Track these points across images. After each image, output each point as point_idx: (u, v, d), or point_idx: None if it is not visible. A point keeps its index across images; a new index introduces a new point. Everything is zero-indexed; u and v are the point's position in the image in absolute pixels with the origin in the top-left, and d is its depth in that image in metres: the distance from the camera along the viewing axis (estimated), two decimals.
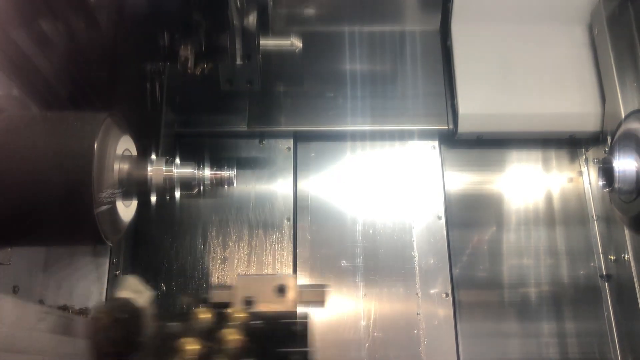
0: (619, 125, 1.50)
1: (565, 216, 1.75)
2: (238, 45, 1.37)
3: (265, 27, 1.52)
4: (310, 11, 1.58)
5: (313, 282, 1.65)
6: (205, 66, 1.38)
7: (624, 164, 1.39)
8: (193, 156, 1.20)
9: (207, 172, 1.09)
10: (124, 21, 1.30)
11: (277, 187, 1.73)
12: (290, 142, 1.77)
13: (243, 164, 1.73)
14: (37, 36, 1.12)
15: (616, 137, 1.51)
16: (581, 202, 1.76)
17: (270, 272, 1.64)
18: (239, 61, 1.39)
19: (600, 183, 1.46)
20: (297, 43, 1.49)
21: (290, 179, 1.74)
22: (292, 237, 1.68)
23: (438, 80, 1.80)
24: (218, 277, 1.63)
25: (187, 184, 1.06)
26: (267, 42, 1.52)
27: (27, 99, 1.09)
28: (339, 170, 1.77)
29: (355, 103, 1.78)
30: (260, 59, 1.52)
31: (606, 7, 1.69)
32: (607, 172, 1.43)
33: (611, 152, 1.45)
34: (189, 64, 1.24)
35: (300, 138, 1.79)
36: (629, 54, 1.60)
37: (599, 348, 1.61)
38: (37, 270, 1.31)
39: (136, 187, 1.01)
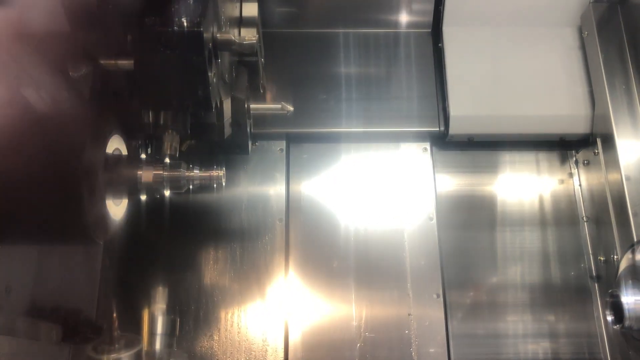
0: (626, 255, 1.45)
1: (556, 218, 1.76)
2: (226, 118, 1.33)
3: (256, 86, 1.47)
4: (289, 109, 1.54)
5: (305, 284, 1.66)
6: (192, 142, 1.33)
7: (634, 301, 1.32)
8: (184, 156, 1.21)
9: (197, 172, 1.09)
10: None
11: (269, 189, 1.74)
12: (282, 144, 1.78)
13: (235, 165, 1.74)
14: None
15: (623, 269, 1.45)
16: (571, 203, 1.77)
17: (262, 273, 1.65)
18: (227, 132, 1.35)
19: (609, 318, 1.40)
20: (288, 107, 1.47)
21: (282, 180, 1.75)
22: (284, 238, 1.68)
23: (429, 82, 1.81)
24: (210, 278, 1.63)
25: (176, 183, 1.07)
26: (258, 106, 1.49)
27: (17, 97, 1.10)
28: (331, 172, 1.78)
29: (347, 105, 1.79)
30: (251, 123, 1.49)
31: (595, 10, 1.71)
32: (616, 307, 1.36)
33: (618, 285, 1.39)
34: (174, 150, 1.15)
35: (292, 140, 1.80)
36: (618, 57, 1.61)
37: (588, 348, 1.62)
38: (30, 270, 1.31)
39: (126, 186, 1.02)
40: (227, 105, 1.30)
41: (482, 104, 1.73)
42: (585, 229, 1.73)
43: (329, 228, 1.72)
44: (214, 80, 1.01)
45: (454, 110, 1.71)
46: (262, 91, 1.54)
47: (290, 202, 1.74)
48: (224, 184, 1.12)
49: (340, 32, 1.88)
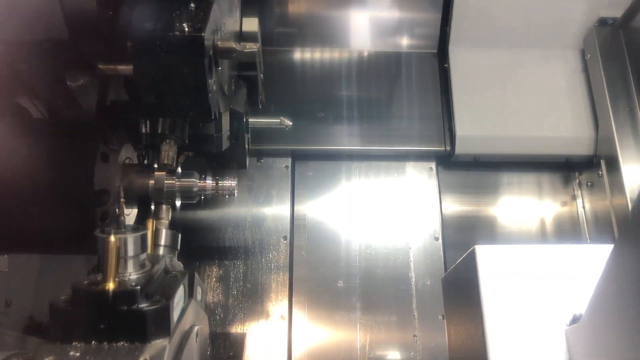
0: None
1: (560, 239, 1.76)
2: (225, 130, 1.30)
3: (255, 102, 1.49)
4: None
5: (310, 304, 1.63)
6: (189, 154, 1.30)
7: None
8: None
9: (209, 182, 1.08)
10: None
11: (274, 206, 1.72)
12: (288, 161, 1.77)
13: (240, 181, 1.72)
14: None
15: None
16: (575, 225, 1.77)
17: (265, 292, 1.62)
18: (225, 145, 1.33)
19: None
20: (286, 122, 1.47)
21: (287, 197, 1.73)
22: (288, 256, 1.66)
23: (435, 102, 1.82)
24: (213, 296, 1.61)
25: (188, 193, 1.05)
26: (257, 121, 1.49)
27: (27, 105, 1.09)
28: (337, 190, 1.77)
29: (353, 123, 1.79)
30: (249, 137, 1.49)
31: (599, 33, 1.73)
32: None
33: None
34: (171, 161, 1.12)
35: (298, 157, 1.79)
36: (621, 79, 1.63)
37: None
38: (30, 283, 1.28)
39: (137, 196, 1.00)
40: (225, 118, 1.29)
41: (488, 124, 1.74)
42: None
43: (333, 247, 1.70)
44: (214, 88, 1.01)
45: (460, 130, 1.71)
46: (260, 107, 1.53)
47: (294, 219, 1.72)
48: (236, 195, 1.10)
49: (347, 52, 1.89)
